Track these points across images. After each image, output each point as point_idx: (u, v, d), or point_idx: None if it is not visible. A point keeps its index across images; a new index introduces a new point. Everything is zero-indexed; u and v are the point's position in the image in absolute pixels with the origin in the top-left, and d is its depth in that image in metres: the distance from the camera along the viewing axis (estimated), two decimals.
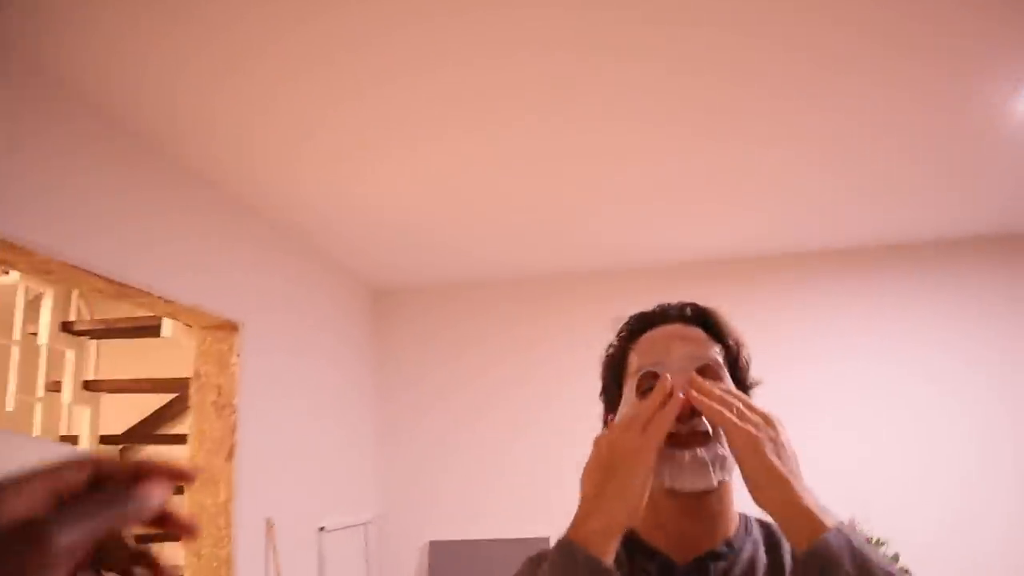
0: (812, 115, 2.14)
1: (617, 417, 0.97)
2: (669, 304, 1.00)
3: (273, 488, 2.45)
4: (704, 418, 0.88)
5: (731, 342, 0.96)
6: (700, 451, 0.86)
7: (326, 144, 2.17)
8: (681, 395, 0.86)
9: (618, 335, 1.02)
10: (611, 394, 0.99)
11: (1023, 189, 2.72)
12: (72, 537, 0.32)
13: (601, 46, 1.76)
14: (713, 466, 0.85)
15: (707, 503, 0.89)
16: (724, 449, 0.86)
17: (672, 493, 0.87)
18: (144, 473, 0.35)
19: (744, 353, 0.97)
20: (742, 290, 3.21)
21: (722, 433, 0.87)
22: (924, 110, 2.16)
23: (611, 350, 1.02)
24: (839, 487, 3.04)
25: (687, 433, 0.86)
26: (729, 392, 0.85)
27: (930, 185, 2.68)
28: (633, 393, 0.94)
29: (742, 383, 0.96)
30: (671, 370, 0.91)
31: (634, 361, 0.95)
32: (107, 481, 0.35)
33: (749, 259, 3.35)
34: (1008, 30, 1.81)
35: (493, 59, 1.79)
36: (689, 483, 0.85)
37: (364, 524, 3.22)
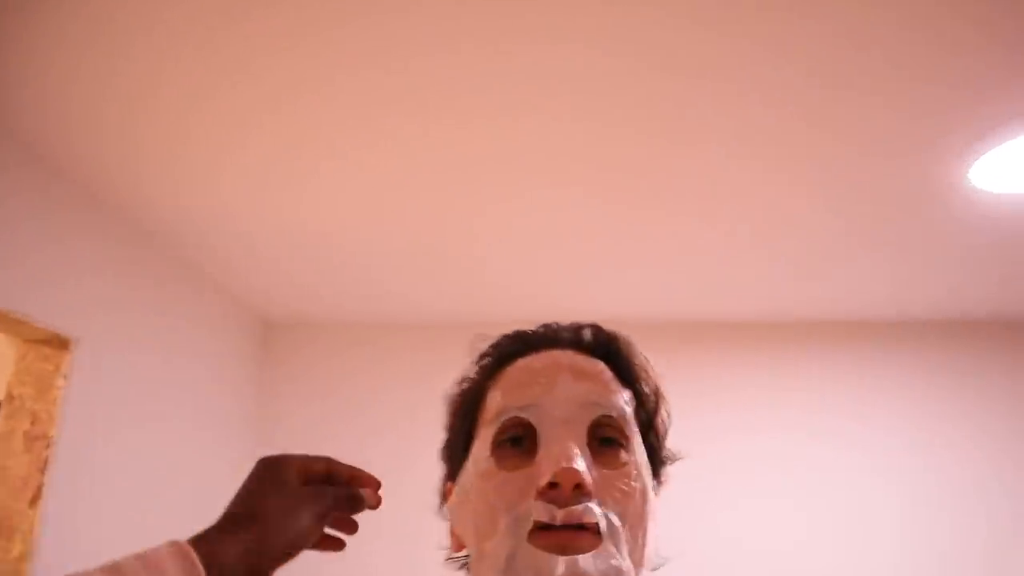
0: (746, 175, 1.94)
1: (458, 485, 0.66)
2: (559, 324, 0.69)
3: (92, 545, 2.00)
4: (596, 503, 0.56)
5: (646, 389, 0.65)
6: (583, 560, 0.54)
7: (216, 152, 1.84)
8: (564, 464, 0.55)
9: (477, 362, 0.71)
10: (456, 451, 0.67)
11: (967, 272, 2.56)
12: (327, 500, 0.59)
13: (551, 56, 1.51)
14: None
15: None
16: (623, 558, 0.55)
17: None
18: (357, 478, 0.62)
19: (663, 408, 0.67)
20: (665, 356, 2.94)
21: (624, 530, 0.56)
22: (872, 180, 1.98)
23: (465, 385, 0.71)
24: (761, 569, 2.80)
25: (566, 526, 0.55)
26: None
27: (873, 261, 2.50)
28: (487, 448, 0.60)
29: (656, 452, 0.65)
30: (551, 417, 0.59)
31: (495, 400, 0.62)
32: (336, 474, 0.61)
33: (673, 324, 3.09)
34: (967, 92, 1.64)
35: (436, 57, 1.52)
36: None
37: None
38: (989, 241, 2.31)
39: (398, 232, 2.37)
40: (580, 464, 0.56)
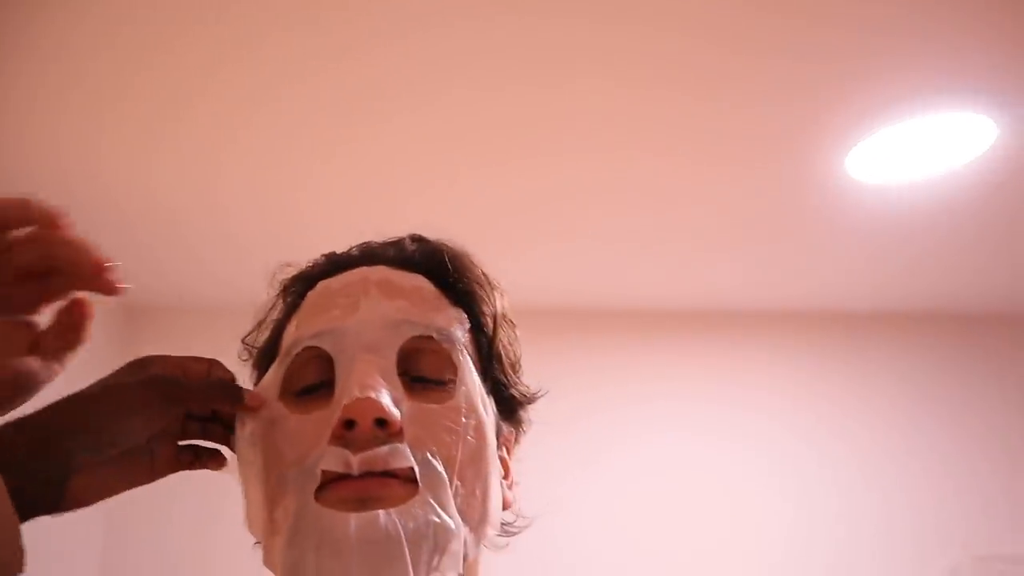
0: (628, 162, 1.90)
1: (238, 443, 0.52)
2: (375, 242, 0.57)
3: None
4: (407, 442, 0.44)
5: (484, 309, 0.53)
6: (385, 518, 0.41)
7: (87, 119, 1.66)
8: (359, 393, 0.42)
9: (280, 296, 0.57)
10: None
11: (844, 263, 2.61)
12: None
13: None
14: (416, 551, 0.41)
15: None
16: (448, 514, 0.43)
17: None
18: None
19: (508, 332, 0.54)
20: (538, 343, 2.85)
21: (451, 478, 0.44)
22: (749, 167, 1.97)
23: (264, 329, 0.56)
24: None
25: (366, 473, 0.43)
26: None
27: (749, 250, 2.51)
28: (275, 388, 0.48)
29: (503, 386, 0.52)
30: (352, 344, 0.46)
31: (288, 334, 0.51)
32: None
33: (551, 312, 2.99)
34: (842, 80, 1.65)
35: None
36: None
37: None
38: (866, 232, 2.36)
39: (276, 212, 2.23)
40: (383, 395, 0.44)
